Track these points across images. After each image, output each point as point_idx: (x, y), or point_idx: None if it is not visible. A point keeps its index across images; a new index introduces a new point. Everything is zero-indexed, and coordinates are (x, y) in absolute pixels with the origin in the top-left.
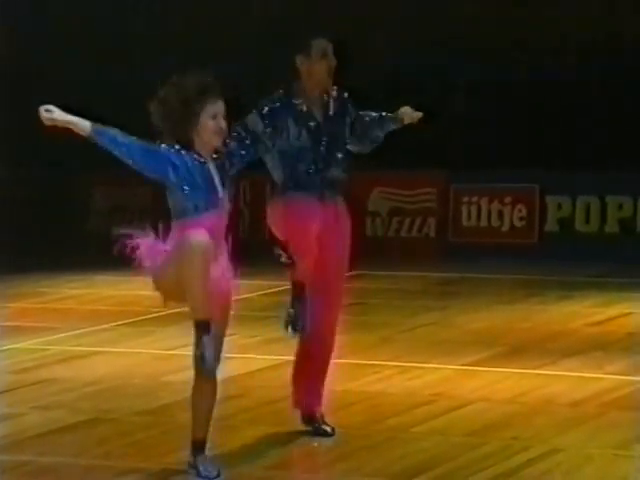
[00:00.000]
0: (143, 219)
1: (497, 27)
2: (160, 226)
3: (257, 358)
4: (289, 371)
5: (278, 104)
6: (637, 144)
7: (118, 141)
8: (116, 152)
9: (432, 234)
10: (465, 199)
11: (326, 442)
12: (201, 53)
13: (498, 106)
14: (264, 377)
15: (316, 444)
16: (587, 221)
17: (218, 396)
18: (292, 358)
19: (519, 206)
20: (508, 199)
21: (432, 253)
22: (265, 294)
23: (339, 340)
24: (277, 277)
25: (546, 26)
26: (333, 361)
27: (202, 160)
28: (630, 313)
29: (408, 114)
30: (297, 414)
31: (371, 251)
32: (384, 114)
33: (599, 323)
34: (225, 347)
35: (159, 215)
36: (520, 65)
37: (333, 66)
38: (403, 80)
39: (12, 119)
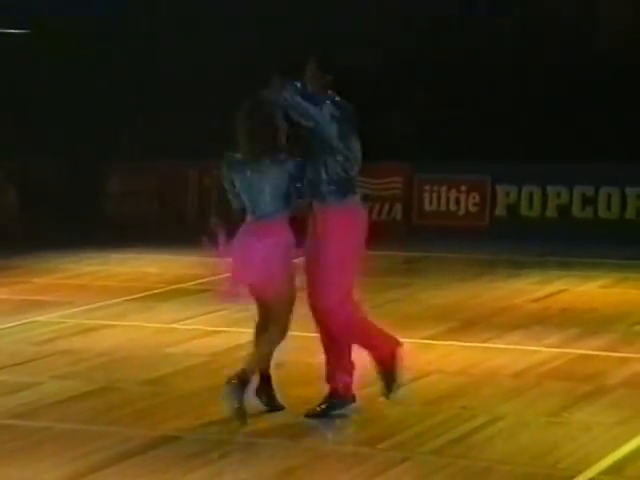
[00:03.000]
0: (153, 203)
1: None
2: None
3: (248, 332)
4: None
5: None
6: (572, 141)
7: None
8: None
9: (399, 217)
10: (427, 187)
11: (302, 412)
12: None
13: (457, 107)
14: None
15: (292, 414)
16: (530, 207)
17: (210, 367)
18: None
19: (473, 194)
20: (464, 187)
21: (399, 234)
22: None
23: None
24: None
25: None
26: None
27: None
28: (565, 290)
29: None
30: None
31: None
32: None
33: (539, 299)
34: (221, 321)
35: (167, 200)
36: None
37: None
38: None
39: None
